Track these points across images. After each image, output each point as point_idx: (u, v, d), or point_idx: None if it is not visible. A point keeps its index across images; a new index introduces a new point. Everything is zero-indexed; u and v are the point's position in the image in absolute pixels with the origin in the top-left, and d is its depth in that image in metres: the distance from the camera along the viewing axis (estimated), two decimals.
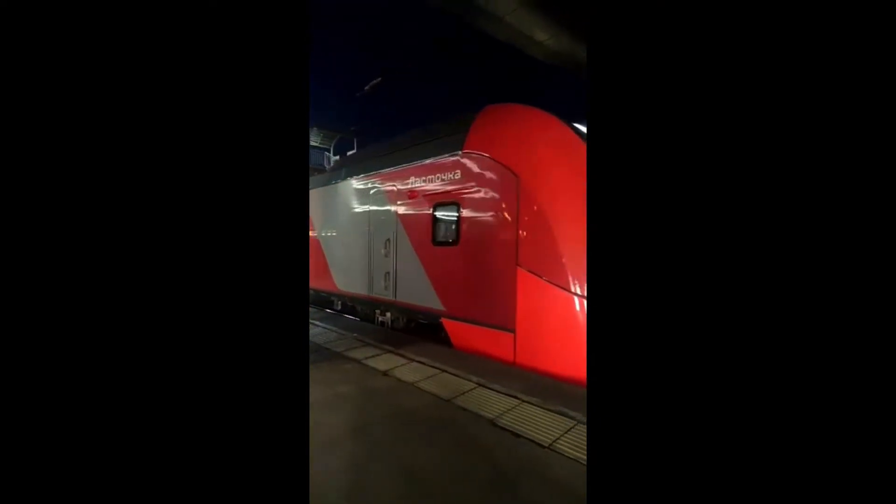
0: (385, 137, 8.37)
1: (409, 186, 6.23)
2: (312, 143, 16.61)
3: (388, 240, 6.61)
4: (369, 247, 7.11)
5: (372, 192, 7.16)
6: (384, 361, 4.48)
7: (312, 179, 9.24)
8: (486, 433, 2.82)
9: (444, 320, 5.59)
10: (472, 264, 5.19)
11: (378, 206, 6.96)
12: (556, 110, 5.17)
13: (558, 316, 4.32)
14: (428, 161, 5.96)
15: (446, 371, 4.13)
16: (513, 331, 4.64)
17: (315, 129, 16.44)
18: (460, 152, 5.42)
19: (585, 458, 2.46)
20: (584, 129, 4.94)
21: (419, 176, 6.10)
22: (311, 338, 5.42)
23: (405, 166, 6.42)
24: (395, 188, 6.56)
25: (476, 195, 5.19)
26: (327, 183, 8.75)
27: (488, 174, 5.05)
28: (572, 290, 4.21)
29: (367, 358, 4.60)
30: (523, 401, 3.37)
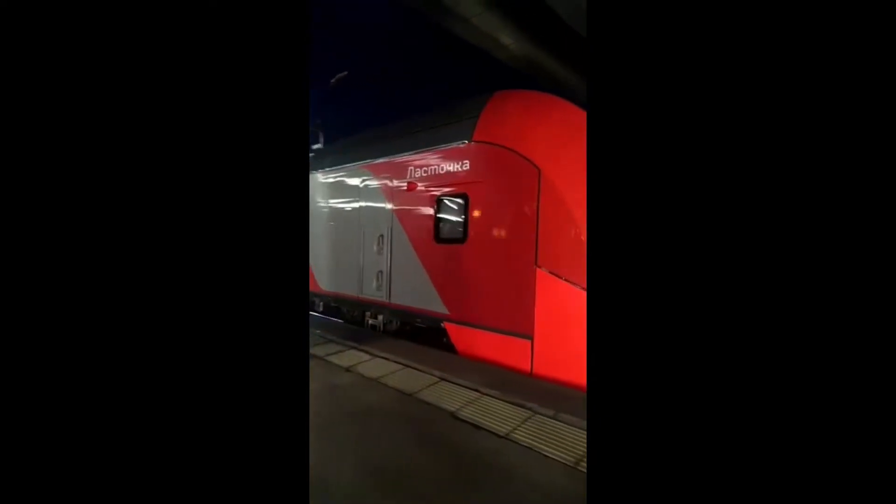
0: (354, 132, 7.80)
1: (408, 178, 5.59)
2: None
3: (382, 236, 5.97)
4: (359, 244, 6.47)
5: (363, 183, 6.48)
6: (347, 358, 4.48)
7: None
8: (448, 426, 2.91)
9: (447, 325, 5.10)
10: (483, 264, 4.73)
11: (370, 198, 6.27)
12: None
13: (583, 321, 3.87)
14: (430, 150, 5.36)
15: (410, 366, 4.19)
16: (530, 337, 4.27)
17: None
18: (470, 141, 4.88)
19: (540, 445, 2.61)
20: None
21: (420, 166, 5.46)
22: None
23: (403, 156, 5.75)
24: (390, 179, 5.91)
25: (489, 189, 4.69)
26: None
27: (504, 166, 4.56)
28: None
29: (329, 355, 4.58)
30: (484, 393, 3.49)
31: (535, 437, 2.75)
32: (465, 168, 4.92)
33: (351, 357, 4.52)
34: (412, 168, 5.57)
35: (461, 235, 4.93)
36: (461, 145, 4.98)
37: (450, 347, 5.03)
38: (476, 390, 3.56)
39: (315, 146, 11.05)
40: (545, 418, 3.02)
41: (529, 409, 3.18)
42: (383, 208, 6.00)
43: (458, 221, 5.00)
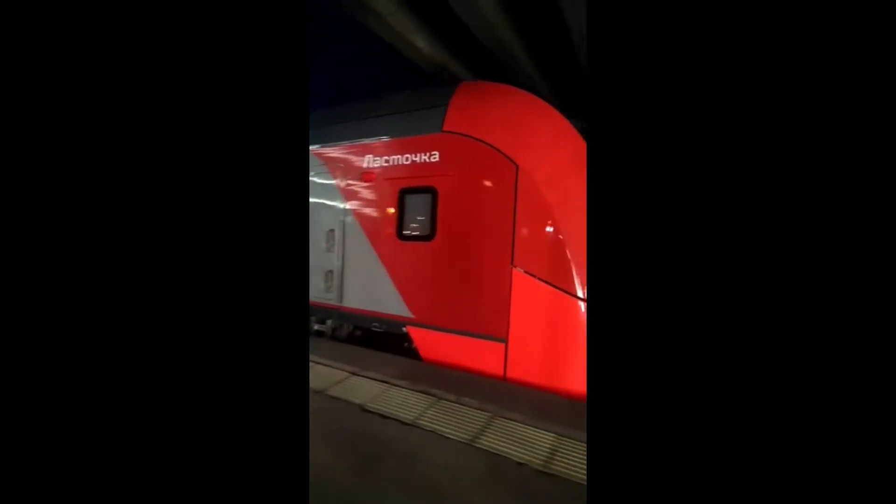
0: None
1: (365, 167, 5.00)
2: None
3: (332, 231, 5.31)
4: None
5: (311, 172, 5.59)
6: None
7: None
8: (355, 419, 3.00)
9: (410, 329, 4.65)
10: (453, 263, 4.36)
11: (318, 189, 5.51)
12: None
13: (561, 324, 3.82)
14: (392, 138, 4.86)
15: (320, 363, 4.17)
16: (504, 340, 4.05)
17: None
18: (439, 131, 4.48)
19: (442, 429, 2.82)
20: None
21: (380, 154, 4.89)
22: None
23: (359, 142, 5.14)
24: (342, 168, 5.26)
25: (461, 183, 4.34)
26: None
27: (479, 160, 4.24)
28: (578, 294, 3.75)
29: None
30: (393, 385, 3.62)
31: (436, 420, 2.95)
32: (434, 160, 4.48)
33: None
34: (371, 156, 4.98)
35: (428, 232, 4.50)
36: (429, 135, 4.54)
37: (412, 353, 4.60)
38: (386, 382, 3.68)
39: None
40: (449, 403, 3.25)
41: (434, 395, 3.39)
42: (334, 200, 5.34)
43: (424, 217, 4.55)
